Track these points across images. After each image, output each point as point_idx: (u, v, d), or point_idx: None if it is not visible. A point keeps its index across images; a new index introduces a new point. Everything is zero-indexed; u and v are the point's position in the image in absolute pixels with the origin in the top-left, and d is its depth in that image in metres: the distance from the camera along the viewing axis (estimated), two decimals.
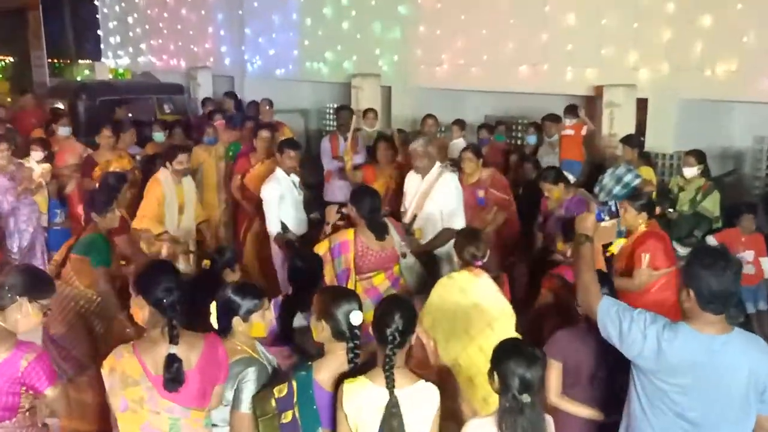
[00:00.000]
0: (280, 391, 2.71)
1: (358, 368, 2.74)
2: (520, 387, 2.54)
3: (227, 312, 2.94)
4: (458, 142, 8.07)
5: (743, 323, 5.29)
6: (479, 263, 3.84)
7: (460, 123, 8.47)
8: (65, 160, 7.26)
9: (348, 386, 2.65)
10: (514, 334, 3.64)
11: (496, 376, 2.62)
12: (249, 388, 2.79)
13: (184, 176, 5.97)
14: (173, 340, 2.70)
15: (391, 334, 2.66)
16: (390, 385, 2.60)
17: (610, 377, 3.18)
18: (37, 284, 2.87)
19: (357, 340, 2.75)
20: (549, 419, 2.75)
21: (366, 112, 8.51)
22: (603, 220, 2.98)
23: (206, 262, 4.14)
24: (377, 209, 4.43)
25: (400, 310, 2.73)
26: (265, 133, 6.70)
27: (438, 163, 5.18)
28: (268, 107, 9.12)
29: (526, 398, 2.54)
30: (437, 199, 4.99)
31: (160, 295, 2.76)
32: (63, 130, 7.86)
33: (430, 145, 5.17)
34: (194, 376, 2.73)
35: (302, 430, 2.71)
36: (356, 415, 2.62)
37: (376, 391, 2.63)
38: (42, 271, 3.19)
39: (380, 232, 4.37)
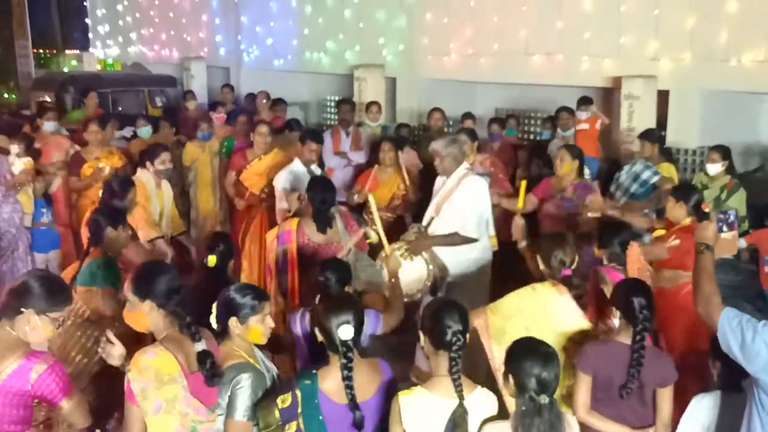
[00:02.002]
0: (284, 401, 2.71)
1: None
2: (537, 387, 2.55)
3: (225, 312, 2.96)
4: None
5: None
6: (568, 272, 3.75)
7: (470, 116, 8.40)
8: (50, 157, 7.24)
9: (405, 398, 2.68)
10: None
11: (511, 378, 2.63)
12: (244, 395, 2.79)
13: (164, 178, 5.96)
14: (195, 338, 2.77)
15: (454, 335, 2.72)
16: (459, 391, 2.65)
17: (643, 393, 3.18)
18: (45, 296, 2.79)
19: (350, 354, 2.74)
20: (571, 419, 2.74)
21: (369, 105, 8.50)
22: (722, 231, 2.96)
23: (212, 259, 4.05)
24: (327, 201, 4.59)
25: (457, 310, 2.81)
26: (263, 128, 6.67)
27: (465, 165, 5.04)
28: (265, 101, 9.11)
29: (543, 399, 2.55)
30: (455, 203, 4.89)
31: (171, 296, 2.82)
32: (48, 125, 7.84)
33: (453, 145, 5.01)
34: None
35: None
36: (416, 428, 2.65)
37: (436, 401, 2.66)
38: (57, 281, 3.06)
39: (321, 224, 4.55)
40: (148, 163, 5.86)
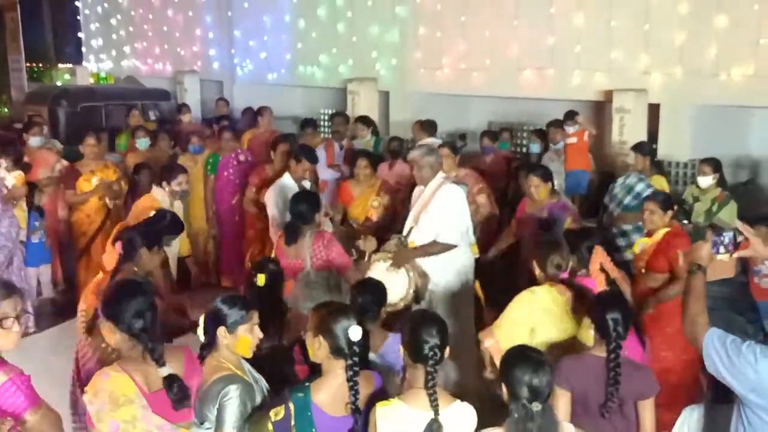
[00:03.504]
0: (277, 414, 2.72)
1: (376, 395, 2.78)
2: (529, 395, 2.57)
3: (213, 322, 2.96)
4: (432, 141, 7.95)
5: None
6: (565, 275, 3.83)
7: (428, 122, 8.40)
8: (36, 173, 7.21)
9: (382, 409, 2.68)
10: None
11: (504, 386, 2.65)
12: (232, 406, 2.79)
13: (178, 198, 5.93)
14: (159, 362, 2.72)
15: (431, 349, 2.73)
16: (434, 405, 2.65)
17: (622, 408, 3.18)
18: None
19: (356, 357, 2.77)
20: (567, 428, 2.75)
21: (354, 121, 8.59)
22: (718, 252, 2.93)
23: (261, 278, 3.88)
24: (297, 214, 4.68)
25: (435, 324, 2.82)
26: (284, 147, 6.56)
27: (441, 174, 5.11)
28: (268, 116, 9.07)
29: (536, 406, 2.57)
30: (433, 212, 4.94)
31: (132, 322, 2.75)
32: (34, 140, 7.81)
33: (431, 155, 5.08)
34: None
35: None
36: None
37: (412, 414, 2.67)
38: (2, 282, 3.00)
39: (288, 236, 4.66)
40: (164, 183, 5.84)
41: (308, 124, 8.74)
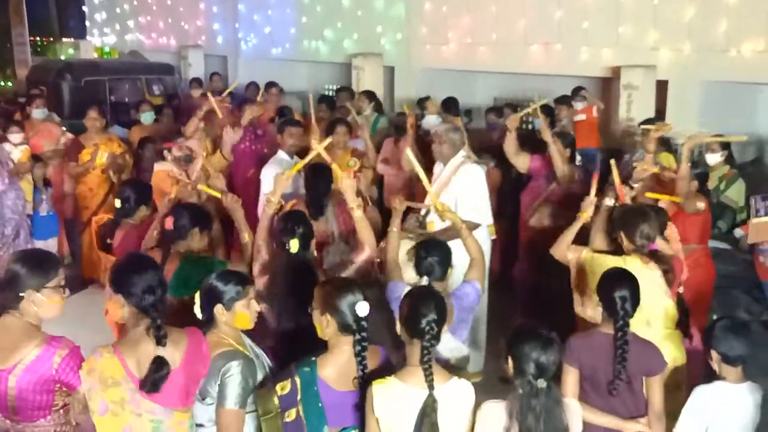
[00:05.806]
0: (283, 388, 2.71)
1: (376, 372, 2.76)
2: (536, 371, 2.56)
3: (210, 300, 2.93)
4: (431, 119, 7.88)
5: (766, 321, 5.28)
6: (655, 247, 3.70)
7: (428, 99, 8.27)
8: (41, 146, 7.18)
9: (378, 387, 2.65)
10: (674, 335, 3.66)
11: (510, 360, 2.63)
12: (234, 383, 2.77)
13: (187, 163, 5.83)
14: (160, 341, 2.69)
15: (428, 324, 2.68)
16: (429, 381, 2.62)
17: (631, 385, 3.16)
18: (34, 271, 2.77)
19: (364, 332, 2.75)
20: (572, 404, 2.73)
21: (359, 94, 8.50)
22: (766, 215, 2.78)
23: (294, 244, 3.63)
24: (318, 188, 4.58)
25: (433, 299, 2.77)
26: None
27: (462, 153, 5.04)
28: (275, 91, 8.94)
29: (541, 383, 2.56)
30: (453, 191, 4.88)
31: (142, 296, 2.74)
32: (38, 113, 7.78)
33: (455, 132, 5.01)
34: (178, 375, 2.72)
35: (307, 429, 2.71)
36: (388, 417, 2.64)
37: (408, 391, 2.64)
38: (34, 253, 3.08)
39: (313, 210, 4.51)
40: (165, 153, 5.77)
41: (323, 101, 8.39)
